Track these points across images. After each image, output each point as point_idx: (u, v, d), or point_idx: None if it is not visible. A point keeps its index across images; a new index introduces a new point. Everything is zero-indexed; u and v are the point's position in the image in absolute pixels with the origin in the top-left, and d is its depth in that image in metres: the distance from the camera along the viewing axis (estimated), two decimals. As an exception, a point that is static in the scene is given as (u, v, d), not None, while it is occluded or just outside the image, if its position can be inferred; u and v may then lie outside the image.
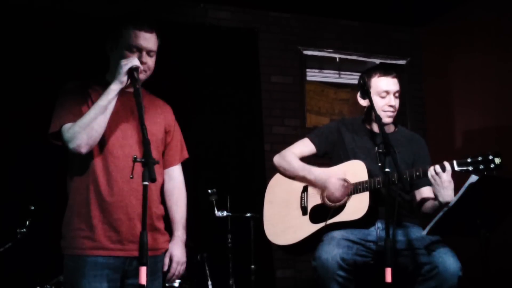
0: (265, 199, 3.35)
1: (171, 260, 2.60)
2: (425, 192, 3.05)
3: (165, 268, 2.59)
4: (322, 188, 3.09)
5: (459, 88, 5.12)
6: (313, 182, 3.13)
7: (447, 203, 2.70)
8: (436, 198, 2.83)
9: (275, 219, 3.26)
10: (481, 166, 2.72)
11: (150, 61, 2.53)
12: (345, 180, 3.03)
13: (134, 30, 2.49)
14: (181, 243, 2.64)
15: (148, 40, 2.50)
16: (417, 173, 2.85)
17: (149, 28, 2.52)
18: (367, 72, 3.16)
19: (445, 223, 2.64)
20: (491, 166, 2.70)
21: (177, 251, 2.61)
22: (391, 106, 3.05)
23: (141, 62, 2.45)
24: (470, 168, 2.74)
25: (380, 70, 3.12)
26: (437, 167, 2.76)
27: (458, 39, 5.14)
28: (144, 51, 2.49)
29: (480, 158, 2.73)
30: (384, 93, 3.06)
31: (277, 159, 3.31)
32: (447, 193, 2.73)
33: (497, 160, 2.70)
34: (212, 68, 4.86)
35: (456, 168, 2.76)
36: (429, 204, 3.00)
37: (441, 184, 2.74)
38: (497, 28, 4.69)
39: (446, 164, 2.77)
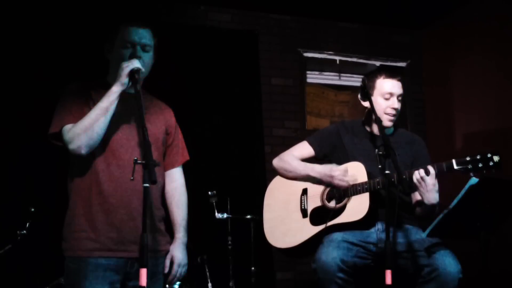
0: (264, 202, 3.35)
1: (172, 262, 2.59)
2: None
3: (166, 270, 2.58)
4: (327, 180, 3.08)
5: (459, 91, 5.12)
6: (318, 177, 3.12)
7: (433, 205, 2.79)
8: (422, 200, 2.86)
9: (275, 222, 3.26)
10: (480, 165, 2.71)
11: (146, 57, 2.51)
12: (346, 171, 3.04)
13: (126, 26, 2.50)
14: (182, 245, 2.63)
15: (141, 34, 2.50)
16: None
17: (142, 23, 2.52)
18: (372, 73, 3.17)
19: (445, 225, 2.63)
20: (490, 164, 2.70)
21: (178, 253, 2.60)
22: (394, 108, 3.05)
23: (137, 57, 2.44)
24: (469, 167, 2.73)
25: (386, 72, 3.13)
26: (421, 171, 2.78)
27: (458, 42, 5.14)
28: (138, 46, 2.48)
29: (478, 157, 2.73)
30: (388, 94, 3.06)
31: (276, 162, 3.31)
32: (432, 196, 2.78)
33: (496, 158, 2.69)
34: (212, 70, 4.86)
35: (455, 167, 2.76)
36: (419, 208, 3.01)
37: (425, 188, 2.77)
38: (497, 31, 4.69)
39: (430, 168, 2.77)
